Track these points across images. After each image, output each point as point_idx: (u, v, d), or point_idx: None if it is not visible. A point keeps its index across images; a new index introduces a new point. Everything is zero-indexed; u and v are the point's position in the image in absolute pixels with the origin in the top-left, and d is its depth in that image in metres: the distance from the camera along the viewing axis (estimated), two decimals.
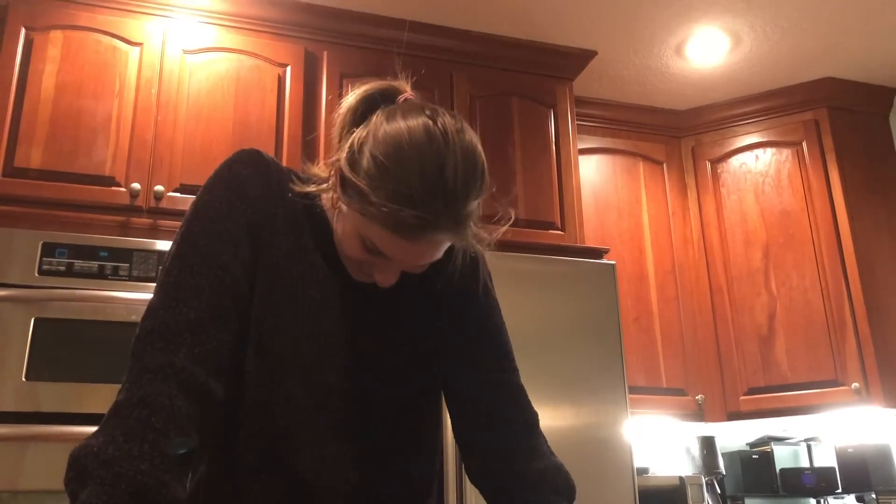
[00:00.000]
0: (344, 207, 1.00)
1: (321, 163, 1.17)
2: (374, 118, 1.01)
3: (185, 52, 2.61)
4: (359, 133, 1.00)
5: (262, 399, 1.04)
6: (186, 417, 0.92)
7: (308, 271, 1.08)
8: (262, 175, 1.09)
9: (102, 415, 2.29)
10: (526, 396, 1.23)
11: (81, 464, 0.91)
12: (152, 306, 1.01)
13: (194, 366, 0.96)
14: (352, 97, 1.08)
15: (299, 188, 1.09)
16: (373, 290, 1.08)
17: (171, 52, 2.59)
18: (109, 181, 2.40)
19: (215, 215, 1.04)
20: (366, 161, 0.95)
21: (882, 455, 3.11)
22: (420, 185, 0.92)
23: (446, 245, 1.01)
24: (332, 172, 1.04)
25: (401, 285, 1.07)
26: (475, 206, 0.99)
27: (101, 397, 2.10)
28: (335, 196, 1.03)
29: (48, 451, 2.03)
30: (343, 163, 0.98)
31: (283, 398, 1.04)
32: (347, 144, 1.00)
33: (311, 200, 1.11)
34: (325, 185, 1.09)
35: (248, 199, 1.06)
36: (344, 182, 0.98)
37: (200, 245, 1.01)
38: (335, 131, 1.07)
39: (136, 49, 2.56)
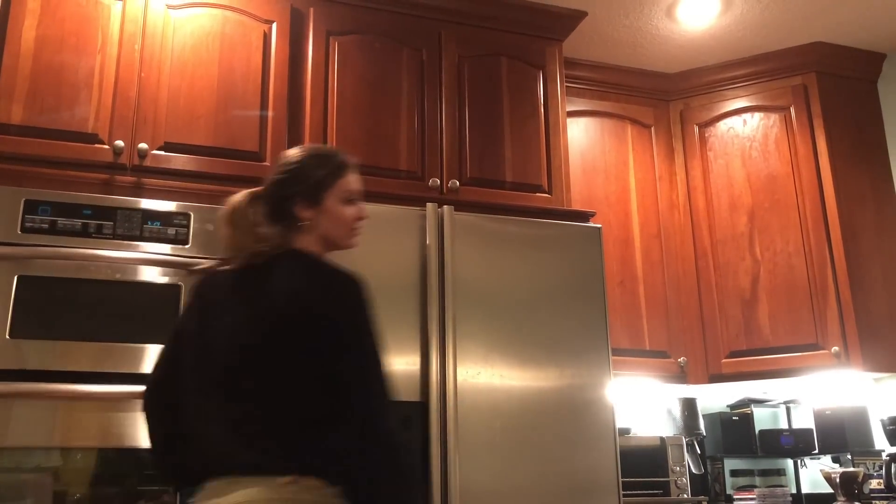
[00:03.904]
0: (322, 214, 1.59)
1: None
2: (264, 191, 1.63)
3: (169, 6, 2.56)
4: (270, 191, 1.61)
5: None
6: None
7: None
8: None
9: (86, 373, 2.27)
10: None
11: None
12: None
13: None
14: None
15: None
16: None
17: (155, 7, 2.54)
18: (93, 138, 2.37)
19: None
20: (308, 173, 1.60)
21: (859, 417, 3.17)
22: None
23: None
24: (296, 217, 1.58)
25: None
26: None
27: (85, 355, 2.10)
28: (309, 215, 1.58)
29: (32, 409, 2.03)
30: (300, 202, 1.57)
31: None
32: (281, 202, 1.59)
33: None
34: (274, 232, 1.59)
35: None
36: (309, 203, 1.58)
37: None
38: (232, 228, 1.59)
39: (119, 3, 2.51)
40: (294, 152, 1.65)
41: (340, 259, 2.23)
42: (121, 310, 2.17)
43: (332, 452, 1.41)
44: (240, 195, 1.61)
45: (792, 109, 3.31)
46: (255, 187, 1.63)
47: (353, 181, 1.64)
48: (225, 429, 1.43)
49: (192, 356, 1.54)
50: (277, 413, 1.41)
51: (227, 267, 1.57)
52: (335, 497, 1.39)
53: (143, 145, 2.39)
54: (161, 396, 1.60)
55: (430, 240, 2.32)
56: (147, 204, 2.29)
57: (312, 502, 1.37)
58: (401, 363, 2.22)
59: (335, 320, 1.45)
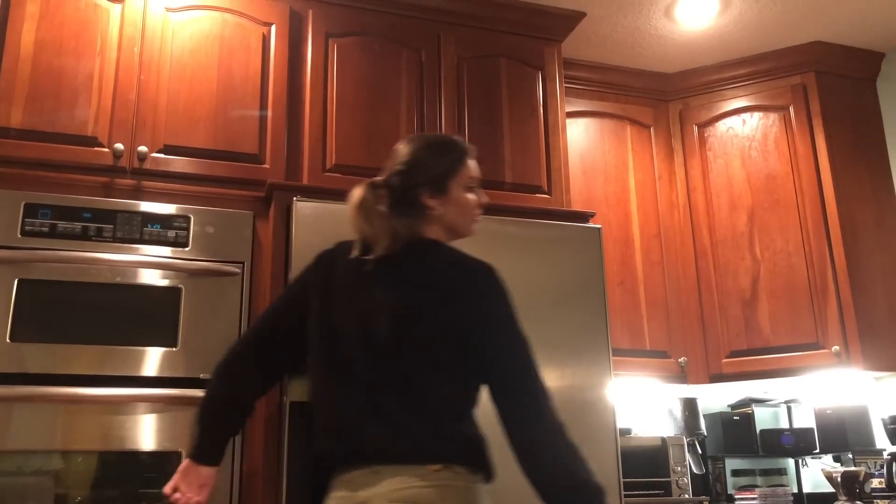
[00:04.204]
0: (447, 202, 1.59)
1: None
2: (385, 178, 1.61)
3: (168, 9, 2.56)
4: (393, 181, 1.58)
5: None
6: None
7: None
8: None
9: (87, 376, 2.27)
10: None
11: None
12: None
13: None
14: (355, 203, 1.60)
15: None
16: None
17: (154, 10, 2.55)
18: (92, 141, 2.37)
19: None
20: (432, 162, 1.60)
21: (859, 416, 3.17)
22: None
23: None
24: (423, 206, 1.57)
25: None
26: None
27: (86, 358, 2.10)
28: (436, 204, 1.57)
29: (33, 412, 2.03)
30: (426, 191, 1.56)
31: None
32: (406, 192, 1.57)
33: None
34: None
35: None
36: (435, 192, 1.57)
37: None
38: (364, 219, 1.57)
39: (118, 6, 2.51)
40: (413, 143, 1.64)
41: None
42: (121, 313, 2.17)
43: (472, 438, 1.45)
44: (361, 187, 1.60)
45: (791, 109, 3.31)
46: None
47: (473, 168, 1.64)
48: (367, 416, 1.43)
49: (319, 337, 1.54)
50: (423, 400, 1.43)
51: (354, 252, 1.57)
52: (479, 482, 1.43)
53: (142, 148, 2.39)
54: (247, 359, 1.61)
55: None
56: (147, 207, 2.29)
57: (463, 488, 1.39)
58: None
59: (482, 308, 1.49)
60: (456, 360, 1.46)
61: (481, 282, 1.51)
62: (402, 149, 1.63)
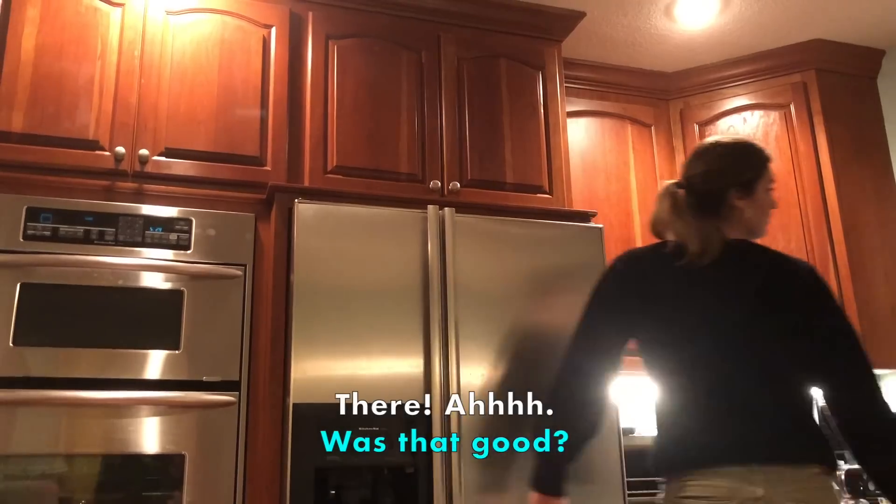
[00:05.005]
0: (753, 203, 1.66)
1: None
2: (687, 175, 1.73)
3: (168, 12, 2.57)
4: (706, 182, 1.67)
5: None
6: None
7: None
8: None
9: (90, 379, 2.28)
10: None
11: None
12: None
13: None
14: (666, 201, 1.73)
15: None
16: None
17: (154, 13, 2.55)
18: (93, 145, 2.38)
19: None
20: (743, 164, 1.68)
21: None
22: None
23: None
24: (732, 207, 1.65)
25: None
26: None
27: (89, 362, 2.10)
28: (743, 205, 1.65)
29: (36, 416, 2.04)
30: (734, 192, 1.64)
31: None
32: (714, 194, 1.66)
33: None
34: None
35: None
36: (743, 193, 1.65)
37: None
38: (681, 222, 1.66)
39: (118, 10, 2.52)
40: (715, 148, 1.71)
41: (351, 259, 2.24)
42: (123, 316, 2.17)
43: (827, 437, 1.53)
44: (664, 192, 1.70)
45: (792, 107, 3.31)
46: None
47: (772, 171, 1.73)
48: (741, 413, 1.49)
49: (666, 341, 1.60)
50: (789, 398, 1.51)
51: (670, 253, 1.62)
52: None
53: (143, 151, 2.39)
54: (588, 380, 1.67)
55: (432, 242, 2.32)
56: (148, 210, 2.30)
57: (833, 489, 1.47)
58: (403, 366, 2.23)
59: (824, 301, 1.57)
60: (808, 356, 1.54)
61: (817, 277, 1.59)
62: (703, 153, 1.71)
